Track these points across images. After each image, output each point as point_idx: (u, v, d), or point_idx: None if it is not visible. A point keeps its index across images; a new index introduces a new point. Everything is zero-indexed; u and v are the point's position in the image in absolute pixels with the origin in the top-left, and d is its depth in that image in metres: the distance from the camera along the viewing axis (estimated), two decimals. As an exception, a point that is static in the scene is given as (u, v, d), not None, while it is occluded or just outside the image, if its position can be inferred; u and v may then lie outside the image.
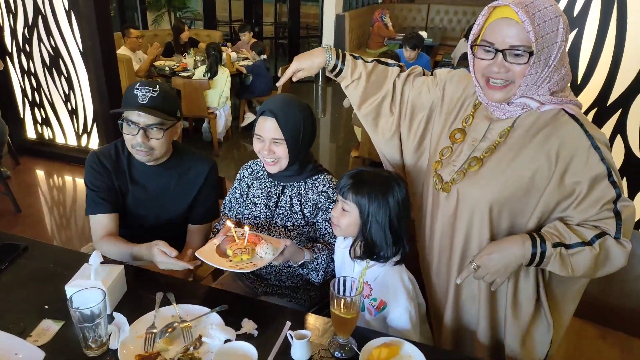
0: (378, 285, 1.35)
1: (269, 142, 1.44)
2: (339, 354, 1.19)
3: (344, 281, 1.18)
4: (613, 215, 1.11)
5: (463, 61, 4.29)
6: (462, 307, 1.37)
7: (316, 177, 1.53)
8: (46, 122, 4.31)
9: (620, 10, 1.88)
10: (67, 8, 3.69)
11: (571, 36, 1.99)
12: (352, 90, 1.50)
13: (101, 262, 1.30)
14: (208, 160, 1.75)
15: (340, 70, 1.47)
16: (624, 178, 2.12)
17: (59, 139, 4.34)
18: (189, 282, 1.61)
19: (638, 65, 1.93)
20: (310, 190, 1.53)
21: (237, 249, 1.31)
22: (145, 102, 1.52)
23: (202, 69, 4.79)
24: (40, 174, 4.21)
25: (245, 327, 1.26)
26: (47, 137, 4.40)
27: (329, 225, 1.51)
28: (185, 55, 5.54)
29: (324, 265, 1.48)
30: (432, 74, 1.48)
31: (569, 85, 1.20)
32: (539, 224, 1.19)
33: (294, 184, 1.54)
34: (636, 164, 2.08)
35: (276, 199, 1.55)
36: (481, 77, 1.18)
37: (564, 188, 1.14)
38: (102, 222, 1.64)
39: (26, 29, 3.92)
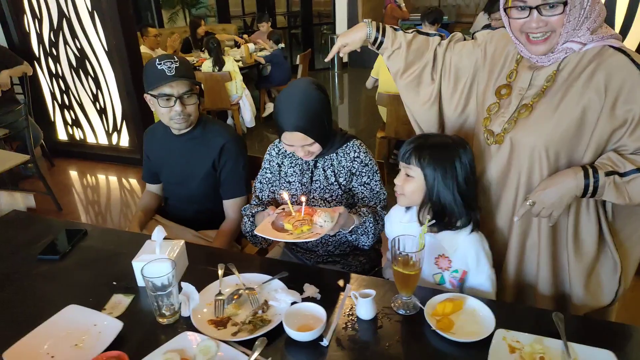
0: (459, 257, 1.34)
1: (300, 147, 1.46)
2: (403, 311, 1.21)
3: (405, 239, 1.20)
4: None
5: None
6: (523, 258, 1.38)
7: (345, 145, 1.56)
8: (76, 123, 4.41)
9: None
10: (90, 9, 3.76)
11: (606, -10, 1.96)
12: (394, 60, 1.52)
13: (164, 238, 1.34)
14: (226, 132, 1.82)
15: (381, 43, 1.49)
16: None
17: (90, 139, 4.44)
18: (245, 254, 1.65)
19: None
20: (342, 159, 1.55)
21: (297, 222, 1.33)
22: (173, 73, 1.63)
23: (208, 63, 4.83)
24: (74, 174, 4.32)
25: (307, 291, 1.29)
26: (78, 138, 4.50)
27: (365, 189, 1.56)
28: (204, 50, 5.58)
29: (372, 228, 1.50)
30: (472, 38, 1.49)
31: (605, 25, 1.21)
32: (594, 157, 1.20)
33: (326, 157, 1.56)
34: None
35: (310, 174, 1.57)
36: (520, 34, 1.20)
37: (615, 118, 1.15)
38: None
39: (52, 33, 4.01)
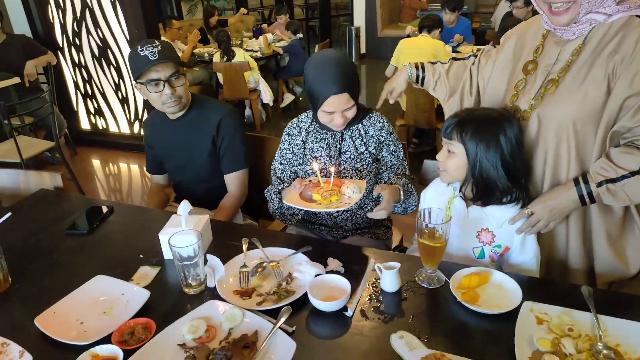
0: (504, 232, 1.32)
1: (342, 113, 1.46)
2: (427, 285, 1.21)
3: (430, 211, 1.20)
4: None
5: (507, 19, 4.17)
6: (553, 233, 1.36)
7: (369, 116, 1.59)
8: (99, 112, 4.49)
9: None
10: (112, -1, 3.81)
11: None
12: (439, 89, 1.60)
13: (189, 211, 1.36)
14: (221, 108, 1.83)
15: (423, 78, 1.60)
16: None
17: (112, 128, 4.51)
18: (269, 231, 1.66)
19: None
20: (369, 129, 1.57)
21: (325, 192, 1.34)
22: (156, 57, 1.62)
23: (217, 55, 4.85)
24: (96, 162, 4.40)
25: (331, 265, 1.29)
26: (100, 127, 4.58)
27: (393, 157, 1.59)
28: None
29: (413, 188, 1.55)
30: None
31: None
32: (605, 132, 1.19)
33: (352, 128, 1.57)
34: None
35: (338, 146, 1.58)
36: (543, 4, 1.20)
37: (633, 85, 1.12)
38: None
39: (75, 23, 4.07)
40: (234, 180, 1.84)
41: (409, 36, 4.43)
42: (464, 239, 1.36)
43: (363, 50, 8.03)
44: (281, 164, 1.66)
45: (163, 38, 5.33)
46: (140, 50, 1.62)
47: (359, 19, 7.77)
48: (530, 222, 1.28)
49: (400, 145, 1.62)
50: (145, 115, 4.25)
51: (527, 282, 1.19)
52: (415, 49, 3.84)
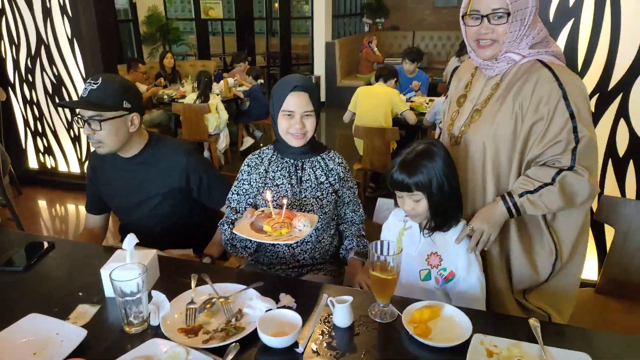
0: (449, 256, 1.37)
1: (301, 116, 1.51)
2: (380, 319, 1.19)
3: (382, 244, 1.20)
4: (571, 146, 1.31)
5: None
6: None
7: (327, 152, 1.66)
8: (48, 150, 4.32)
9: (614, -3, 1.99)
10: (69, 36, 3.77)
11: (568, 25, 2.09)
12: None
13: (136, 244, 1.30)
14: (180, 148, 1.76)
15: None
16: (630, 161, 2.17)
17: (62, 167, 4.34)
18: (220, 266, 1.61)
19: (635, 50, 2.02)
20: (329, 162, 1.63)
21: (276, 224, 1.32)
22: (85, 95, 1.58)
23: (193, 95, 4.87)
24: (42, 202, 4.19)
25: (283, 300, 1.25)
26: (49, 166, 4.40)
27: (351, 193, 1.68)
28: (183, 84, 5.65)
29: (366, 242, 1.67)
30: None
31: (550, 38, 1.42)
32: (520, 154, 1.39)
33: (312, 159, 1.61)
34: (640, 146, 2.14)
35: (299, 174, 1.60)
36: (473, 41, 1.41)
37: (536, 114, 1.34)
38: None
39: (29, 59, 3.99)
40: None
41: (368, 84, 4.61)
42: (414, 265, 1.41)
43: (323, 98, 8.24)
44: (238, 194, 1.64)
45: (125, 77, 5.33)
46: (86, 83, 1.59)
47: (319, 68, 8.02)
48: (475, 237, 1.37)
49: (355, 183, 1.70)
50: (98, 155, 4.13)
51: (477, 315, 1.20)
52: (372, 97, 3.99)
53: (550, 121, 1.31)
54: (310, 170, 1.60)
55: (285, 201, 1.39)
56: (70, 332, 1.13)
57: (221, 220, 1.64)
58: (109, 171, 1.78)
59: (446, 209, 1.33)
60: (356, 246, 1.67)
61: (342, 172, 1.64)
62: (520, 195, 1.34)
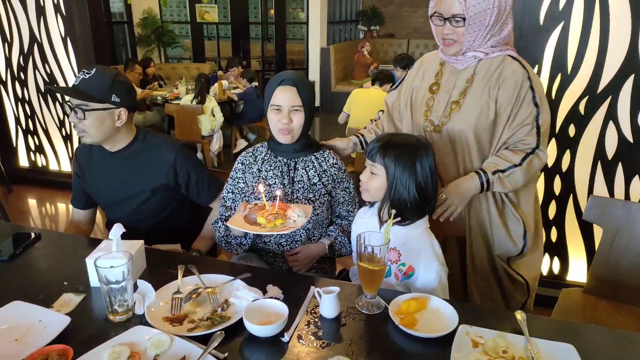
0: (407, 251, 1.36)
1: (288, 110, 1.50)
2: (367, 311, 1.19)
3: (370, 235, 1.20)
4: (535, 129, 1.50)
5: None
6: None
7: (322, 151, 1.63)
8: (39, 149, 4.29)
9: (603, 1, 2.01)
10: (63, 35, 3.76)
11: (558, 29, 2.11)
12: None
13: (122, 233, 1.29)
14: (170, 146, 1.74)
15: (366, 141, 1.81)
16: (619, 163, 2.19)
17: (53, 166, 4.31)
18: (208, 258, 1.59)
19: (623, 53, 2.05)
20: (323, 163, 1.60)
21: (270, 215, 1.32)
22: (76, 83, 1.57)
23: (189, 96, 4.87)
24: (32, 201, 4.15)
25: (270, 291, 1.25)
26: (40, 165, 4.36)
27: (345, 193, 1.63)
28: (177, 85, 5.65)
29: (346, 240, 1.59)
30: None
31: (511, 43, 1.58)
32: (501, 132, 1.53)
33: (305, 158, 1.60)
34: (629, 150, 2.16)
35: (292, 175, 1.58)
36: (439, 39, 1.55)
37: (510, 103, 1.50)
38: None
39: (21, 57, 3.97)
40: (218, 202, 1.80)
41: (361, 87, 4.64)
42: None
43: (317, 103, 8.26)
44: (232, 192, 1.63)
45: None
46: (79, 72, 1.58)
47: (314, 73, 8.05)
48: (443, 206, 1.48)
49: (352, 181, 1.66)
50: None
51: (464, 307, 1.20)
52: (366, 99, 4.01)
53: (520, 107, 1.49)
54: (303, 170, 1.58)
55: (278, 192, 1.38)
56: (53, 319, 1.11)
57: (215, 219, 1.64)
58: (95, 166, 1.76)
59: (407, 205, 1.32)
60: (334, 238, 1.61)
61: (336, 172, 1.61)
62: (494, 173, 1.49)
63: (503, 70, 1.51)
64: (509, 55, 1.53)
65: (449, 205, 1.49)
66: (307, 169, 1.59)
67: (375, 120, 1.88)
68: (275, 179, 1.58)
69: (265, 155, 1.62)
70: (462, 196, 1.50)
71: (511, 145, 1.53)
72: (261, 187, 1.42)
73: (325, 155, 1.62)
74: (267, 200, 1.40)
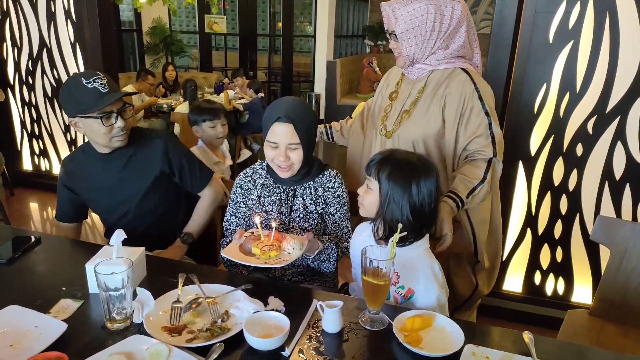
0: (406, 272, 1.31)
1: (285, 148, 1.44)
2: (370, 327, 1.16)
3: (375, 249, 1.17)
4: (490, 138, 1.57)
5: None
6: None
7: (322, 174, 1.56)
8: (44, 153, 4.29)
9: (613, 20, 2.01)
10: (72, 40, 3.79)
11: (567, 47, 2.11)
12: (338, 140, 2.06)
13: (124, 239, 1.27)
14: (158, 134, 1.78)
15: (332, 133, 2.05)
16: (627, 184, 2.17)
17: (56, 171, 4.30)
18: (209, 268, 1.57)
19: (633, 73, 2.03)
20: (319, 188, 1.55)
21: (265, 246, 1.30)
22: (107, 89, 1.57)
23: (185, 105, 4.87)
24: (34, 205, 4.14)
25: (272, 303, 1.22)
26: (43, 169, 4.36)
27: (329, 219, 1.57)
28: (181, 92, 5.67)
29: (334, 255, 1.50)
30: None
31: (474, 58, 1.67)
32: (449, 141, 1.61)
33: (304, 185, 1.55)
34: (638, 170, 2.13)
35: (290, 204, 1.54)
36: (394, 51, 1.67)
37: (458, 113, 1.58)
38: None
39: (30, 62, 3.99)
40: (210, 192, 1.83)
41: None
42: None
43: (322, 116, 8.28)
44: (236, 216, 1.59)
45: (130, 86, 5.37)
46: (87, 83, 1.53)
47: (320, 86, 8.08)
48: (449, 241, 1.51)
49: (344, 209, 1.57)
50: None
51: (469, 326, 1.17)
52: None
53: (469, 118, 1.56)
54: (301, 198, 1.54)
55: (274, 223, 1.36)
56: (49, 325, 1.09)
57: (221, 241, 1.62)
58: (88, 173, 1.73)
59: (394, 225, 1.25)
60: (325, 246, 1.49)
61: (330, 197, 1.54)
62: (467, 196, 1.55)
63: (450, 82, 1.59)
64: (460, 68, 1.61)
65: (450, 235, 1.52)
66: (304, 195, 1.54)
67: (348, 118, 2.00)
68: (272, 206, 1.54)
69: (264, 180, 1.58)
70: (450, 222, 1.52)
71: (470, 157, 1.60)
72: (257, 219, 1.38)
73: (325, 179, 1.55)
74: (262, 229, 1.38)
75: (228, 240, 1.57)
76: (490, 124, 1.57)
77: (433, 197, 1.29)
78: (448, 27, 1.57)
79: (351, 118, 2.04)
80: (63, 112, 4.01)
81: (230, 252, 1.32)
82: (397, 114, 1.68)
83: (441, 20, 1.55)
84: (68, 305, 1.20)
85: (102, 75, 1.57)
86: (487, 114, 1.56)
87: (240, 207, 1.59)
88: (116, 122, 1.58)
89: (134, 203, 1.74)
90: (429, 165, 1.32)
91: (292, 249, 1.32)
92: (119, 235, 1.27)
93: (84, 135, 1.71)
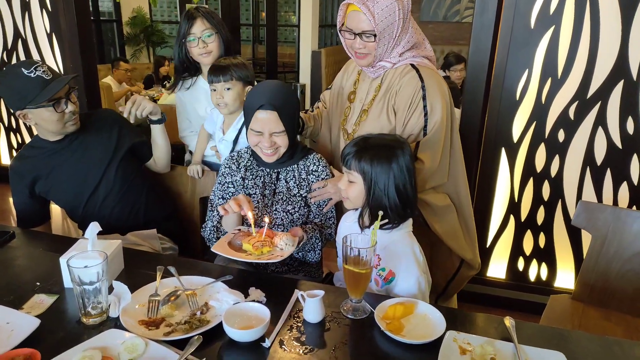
0: (388, 255, 1.32)
1: (269, 134, 1.42)
2: (352, 315, 1.15)
3: (356, 237, 1.16)
4: (419, 139, 1.54)
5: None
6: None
7: (306, 157, 1.56)
8: (22, 147, 4.19)
9: (593, 5, 2.00)
10: (48, 31, 3.69)
11: (548, 33, 2.10)
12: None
13: (99, 232, 1.24)
14: (109, 113, 1.87)
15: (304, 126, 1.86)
16: (607, 169, 2.18)
17: (35, 165, 4.21)
18: (188, 259, 1.54)
19: (613, 59, 2.04)
20: (303, 171, 1.54)
21: (257, 242, 1.28)
22: (50, 76, 1.56)
23: (172, 96, 4.79)
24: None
25: (252, 294, 1.20)
26: (22, 163, 4.26)
27: (313, 205, 1.55)
28: (166, 85, 5.59)
29: (319, 244, 1.50)
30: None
31: (423, 42, 1.63)
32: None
33: (288, 168, 1.53)
34: (618, 156, 2.15)
35: (273, 187, 1.53)
36: (351, 51, 1.57)
37: (405, 112, 1.55)
38: None
39: (5, 53, 3.88)
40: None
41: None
42: None
43: (307, 106, 8.23)
44: (223, 198, 1.56)
45: (109, 78, 5.26)
46: (30, 72, 1.50)
47: (305, 76, 8.01)
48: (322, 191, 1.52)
49: None
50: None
51: (451, 313, 1.16)
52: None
53: (410, 118, 1.53)
54: (284, 181, 1.53)
55: (267, 219, 1.35)
56: (21, 321, 1.06)
57: (203, 226, 1.59)
58: (43, 166, 1.69)
59: (387, 211, 1.27)
60: (309, 236, 1.47)
61: (315, 180, 1.54)
62: None
63: (401, 80, 1.55)
64: (411, 64, 1.56)
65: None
66: (288, 179, 1.53)
67: (316, 109, 1.91)
68: (255, 189, 1.53)
69: (247, 162, 1.56)
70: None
71: None
72: (250, 215, 1.35)
73: (309, 162, 1.55)
74: (255, 227, 1.36)
75: (214, 222, 1.54)
76: (425, 125, 1.52)
77: (412, 173, 1.31)
78: (407, 19, 1.53)
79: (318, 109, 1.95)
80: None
81: (221, 249, 1.31)
82: (357, 115, 1.64)
83: (403, 14, 1.49)
84: (42, 301, 1.17)
85: (41, 62, 1.56)
86: (425, 114, 1.52)
87: (228, 187, 1.57)
88: (67, 107, 1.59)
89: (95, 182, 1.71)
90: (402, 142, 1.35)
91: (284, 244, 1.32)
92: (94, 227, 1.24)
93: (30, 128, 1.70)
